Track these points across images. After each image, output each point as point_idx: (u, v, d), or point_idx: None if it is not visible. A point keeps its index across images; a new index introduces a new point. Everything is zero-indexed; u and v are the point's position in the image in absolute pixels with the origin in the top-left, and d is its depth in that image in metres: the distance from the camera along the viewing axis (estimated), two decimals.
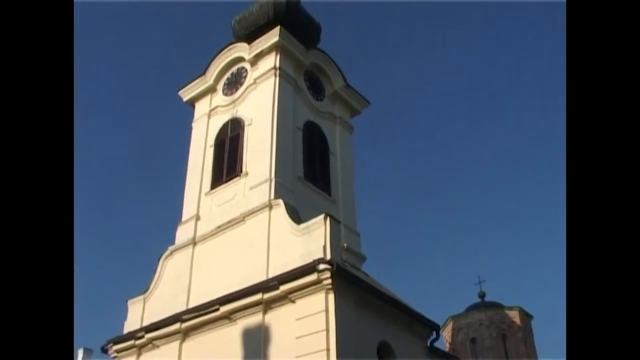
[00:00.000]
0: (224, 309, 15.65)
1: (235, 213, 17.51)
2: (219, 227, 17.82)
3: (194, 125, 21.45)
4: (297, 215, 16.29)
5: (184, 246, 18.42)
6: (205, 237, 18.13)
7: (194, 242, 18.29)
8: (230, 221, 17.55)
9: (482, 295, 33.03)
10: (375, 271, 18.56)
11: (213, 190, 19.07)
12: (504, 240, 74.77)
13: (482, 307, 31.97)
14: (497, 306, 32.19)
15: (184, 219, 19.24)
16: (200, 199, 19.26)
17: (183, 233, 18.83)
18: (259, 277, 15.51)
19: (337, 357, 13.45)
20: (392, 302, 16.07)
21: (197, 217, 18.79)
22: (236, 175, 18.55)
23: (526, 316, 32.58)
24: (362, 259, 18.60)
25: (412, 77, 76.21)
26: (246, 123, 19.41)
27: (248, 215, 17.06)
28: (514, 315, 31.72)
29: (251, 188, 17.60)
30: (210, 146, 20.24)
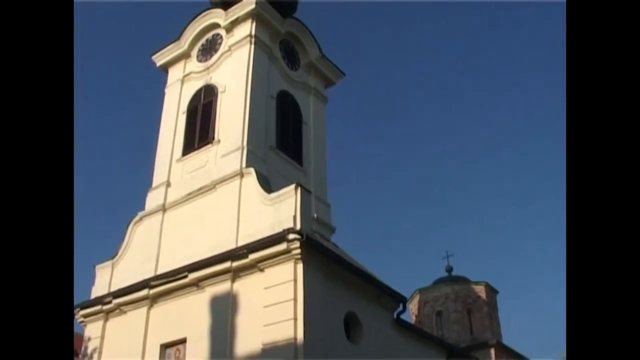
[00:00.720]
0: (193, 276, 15.64)
1: (206, 180, 17.43)
2: (189, 194, 17.73)
3: (166, 90, 21.22)
4: (268, 184, 16.27)
5: (153, 212, 18.32)
6: (175, 204, 18.04)
7: (163, 209, 18.19)
8: (200, 188, 17.47)
9: (449, 270, 33.32)
10: (344, 243, 18.67)
11: (184, 157, 18.95)
12: (473, 216, 75.41)
13: (449, 281, 32.25)
14: (463, 281, 32.50)
15: (154, 185, 19.11)
16: (172, 165, 19.13)
17: (153, 199, 18.71)
18: (229, 245, 15.50)
19: (304, 326, 13.54)
20: (360, 273, 16.16)
21: (168, 184, 18.67)
22: (208, 143, 18.44)
23: (492, 291, 32.96)
24: (332, 230, 18.65)
25: (391, 50, 76.07)
26: (220, 90, 19.25)
27: (219, 182, 17.00)
28: (480, 290, 32.08)
29: (223, 156, 17.52)
30: (183, 112, 20.06)
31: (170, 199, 18.26)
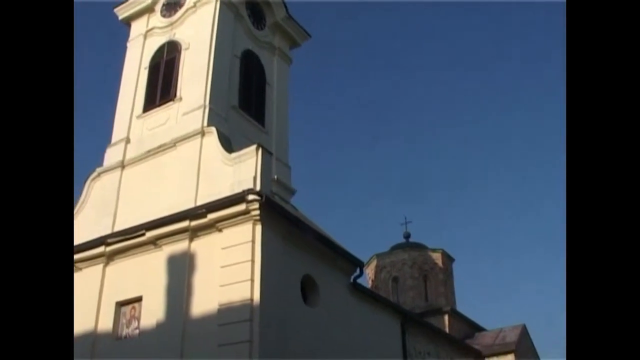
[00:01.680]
0: (150, 234, 15.50)
1: (167, 138, 17.19)
2: (149, 151, 17.49)
3: (128, 45, 20.74)
4: (229, 144, 16.12)
5: (112, 169, 18.04)
6: (135, 161, 17.79)
7: (122, 165, 17.92)
8: (160, 146, 17.23)
9: (407, 236, 33.60)
10: (304, 206, 18.65)
11: (145, 114, 18.64)
12: (433, 183, 75.99)
13: (407, 248, 32.57)
14: (421, 247, 32.84)
15: (113, 141, 18.79)
16: (132, 121, 18.80)
17: (112, 155, 18.41)
18: (187, 204, 15.37)
19: (260, 287, 13.54)
20: (319, 236, 16.18)
21: (127, 140, 18.38)
22: (170, 100, 18.14)
23: (448, 259, 33.38)
24: (292, 192, 18.61)
25: (357, 15, 75.59)
26: (183, 47, 18.90)
27: (179, 141, 16.79)
28: (437, 257, 32.46)
29: (184, 114, 17.29)
30: (145, 68, 19.67)
31: (130, 155, 18.00)
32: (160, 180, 16.70)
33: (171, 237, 15.25)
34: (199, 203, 15.22)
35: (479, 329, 30.78)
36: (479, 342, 28.38)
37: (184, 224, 14.95)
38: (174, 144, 16.91)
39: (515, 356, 26.82)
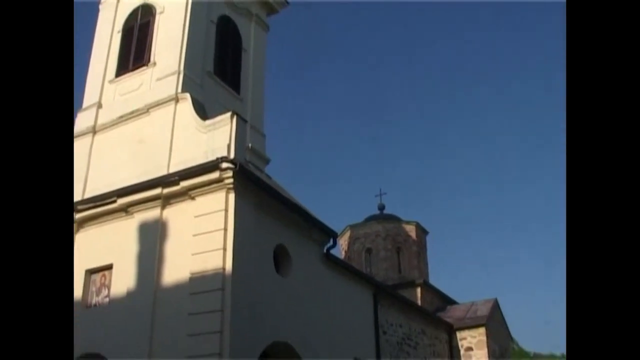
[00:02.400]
0: (122, 201, 15.25)
1: (140, 104, 16.83)
2: (121, 117, 17.13)
3: (101, 6, 20.16)
4: (204, 111, 15.86)
5: (82, 134, 17.66)
6: (106, 127, 17.44)
7: (93, 131, 17.57)
8: (133, 112, 16.88)
9: (381, 208, 33.55)
10: (278, 175, 18.49)
11: (118, 79, 18.24)
12: (408, 154, 76.18)
13: (381, 219, 32.53)
14: (395, 219, 32.83)
15: (84, 105, 18.38)
16: (104, 86, 18.38)
17: (83, 120, 18.02)
18: (160, 172, 15.12)
19: (233, 256, 13.42)
20: (292, 206, 16.04)
21: (99, 105, 17.99)
22: (143, 65, 17.75)
23: (422, 231, 33.43)
24: (266, 161, 18.39)
25: None
26: (158, 11, 18.43)
27: (153, 107, 16.46)
28: (411, 230, 32.49)
29: (158, 79, 16.93)
30: (118, 32, 19.19)
31: (101, 121, 17.64)
32: (132, 147, 16.40)
33: (143, 205, 15.02)
34: (171, 170, 14.98)
35: (451, 302, 30.98)
36: (451, 315, 28.57)
37: (156, 191, 14.72)
38: (147, 109, 16.58)
39: (487, 329, 27.05)
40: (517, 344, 70.46)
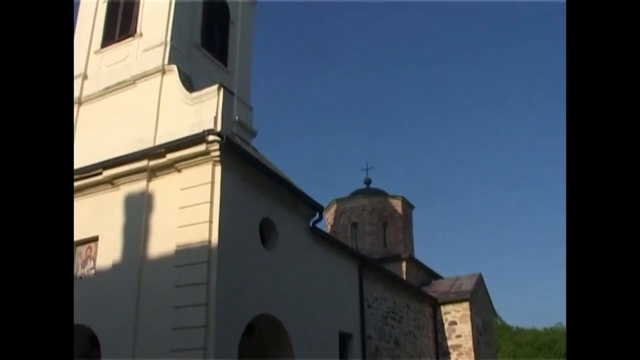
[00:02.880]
0: (107, 173, 15.16)
1: (126, 75, 16.68)
2: (107, 88, 16.98)
3: None
4: (191, 84, 15.77)
5: None
6: (92, 98, 17.28)
7: (79, 102, 17.40)
8: (119, 83, 16.74)
9: (367, 182, 33.65)
10: (266, 148, 18.46)
11: (103, 49, 18.04)
12: (395, 128, 76.15)
13: (367, 194, 32.64)
14: (381, 194, 32.94)
15: None
16: (89, 57, 18.17)
17: None
18: (146, 144, 15.05)
19: (219, 229, 13.41)
20: (279, 179, 16.02)
21: (85, 76, 17.80)
22: (129, 36, 17.55)
23: (408, 206, 33.56)
24: (253, 133, 18.29)
25: None
26: None
27: (139, 78, 16.32)
28: (397, 204, 32.61)
29: (145, 50, 16.76)
30: (104, 1, 18.92)
31: (87, 92, 17.47)
32: (118, 118, 16.29)
33: (129, 177, 14.95)
34: (158, 142, 14.90)
35: (436, 276, 31.23)
36: (436, 289, 28.81)
37: (142, 163, 14.65)
38: (133, 81, 16.45)
39: (471, 304, 27.31)
40: (501, 319, 71.31)
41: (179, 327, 12.94)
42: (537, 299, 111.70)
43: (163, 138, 14.83)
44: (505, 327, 75.52)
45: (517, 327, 79.77)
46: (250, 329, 14.60)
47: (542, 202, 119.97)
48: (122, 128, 15.96)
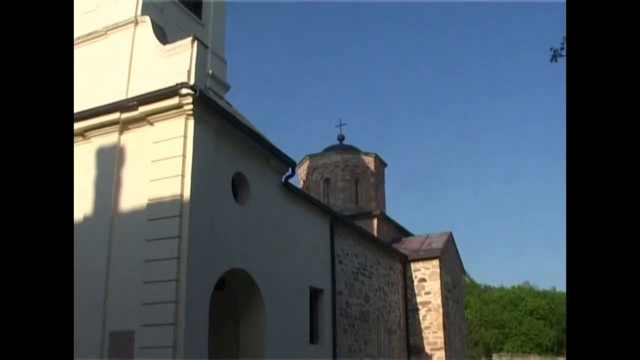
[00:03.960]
0: (79, 125, 14.89)
1: (97, 25, 16.32)
2: (77, 38, 16.57)
3: None
4: (164, 36, 15.52)
5: None
6: None
7: None
8: (90, 34, 16.37)
9: (340, 138, 33.61)
10: (239, 103, 18.33)
11: None
12: (369, 86, 75.94)
13: (340, 150, 32.62)
14: (354, 150, 32.96)
15: None
16: None
17: None
18: (118, 96, 14.82)
19: (191, 183, 13.36)
20: (251, 134, 15.95)
21: None
22: None
23: (381, 163, 33.66)
24: (227, 87, 18.12)
25: None
26: None
27: (111, 29, 15.99)
28: (369, 161, 32.68)
29: (116, 1, 16.46)
30: None
31: None
32: (89, 70, 15.98)
33: (100, 129, 14.78)
34: (130, 95, 14.70)
35: (406, 234, 31.50)
36: (406, 246, 29.09)
37: (114, 115, 14.47)
38: (105, 32, 16.12)
39: (440, 262, 27.64)
40: (469, 277, 72.47)
41: (151, 279, 12.95)
42: (505, 258, 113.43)
43: (135, 91, 14.61)
44: (474, 285, 76.85)
45: (485, 285, 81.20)
46: (221, 283, 14.67)
47: (514, 165, 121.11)
48: (93, 80, 15.67)
